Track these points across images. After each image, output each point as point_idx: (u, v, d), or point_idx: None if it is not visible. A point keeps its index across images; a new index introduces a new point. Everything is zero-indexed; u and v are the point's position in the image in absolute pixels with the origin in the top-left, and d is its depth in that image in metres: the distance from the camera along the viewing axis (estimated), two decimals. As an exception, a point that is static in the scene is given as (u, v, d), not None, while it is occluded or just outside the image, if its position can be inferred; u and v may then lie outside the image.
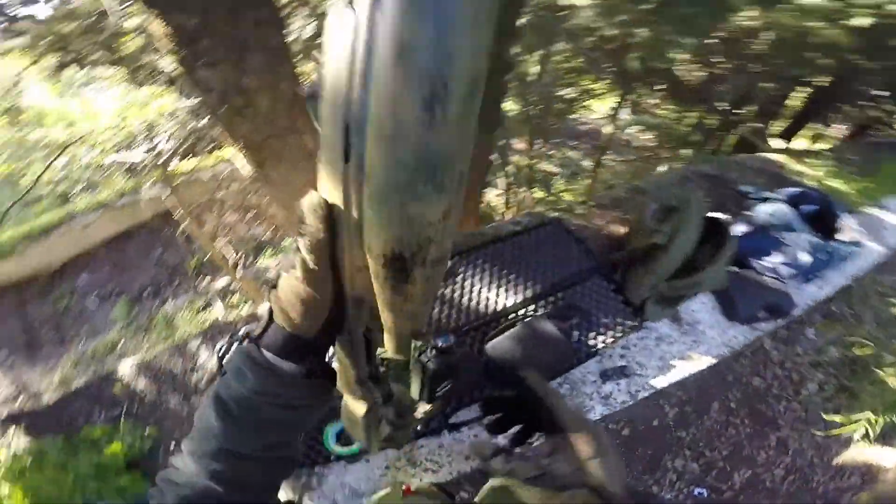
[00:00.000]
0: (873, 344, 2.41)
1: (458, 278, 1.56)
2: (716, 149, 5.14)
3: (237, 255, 4.24)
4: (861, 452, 2.39)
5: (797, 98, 5.41)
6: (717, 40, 3.49)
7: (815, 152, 3.06)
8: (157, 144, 3.17)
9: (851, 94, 4.59)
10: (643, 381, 1.58)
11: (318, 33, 3.81)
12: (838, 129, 6.14)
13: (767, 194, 2.12)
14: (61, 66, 4.26)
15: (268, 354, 0.41)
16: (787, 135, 5.26)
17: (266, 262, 5.58)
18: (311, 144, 1.81)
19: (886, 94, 4.33)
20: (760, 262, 1.83)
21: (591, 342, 1.55)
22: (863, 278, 2.39)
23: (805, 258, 1.83)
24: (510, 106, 4.82)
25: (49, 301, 5.82)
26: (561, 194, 6.17)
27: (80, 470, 1.40)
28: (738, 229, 1.94)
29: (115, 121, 3.83)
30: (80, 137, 4.04)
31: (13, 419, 1.69)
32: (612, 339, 1.55)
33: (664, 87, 4.50)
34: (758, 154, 2.93)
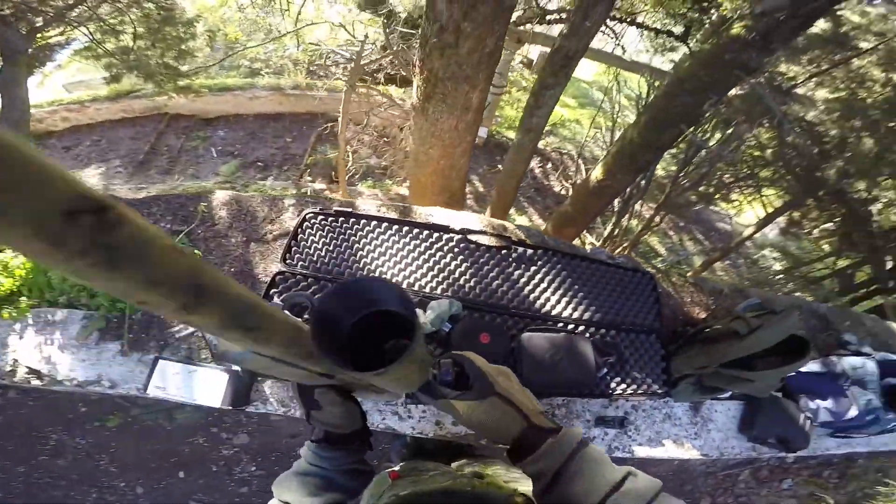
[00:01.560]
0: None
1: (532, 269, 1.67)
2: (844, 305, 4.57)
3: (350, 167, 4.68)
4: None
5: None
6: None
7: None
8: (361, 53, 3.60)
9: None
10: (627, 442, 1.63)
11: (522, 20, 4.04)
12: None
13: (866, 350, 1.97)
14: None
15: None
16: None
17: (363, 188, 6.06)
18: (475, 101, 2.01)
19: None
20: (808, 401, 1.81)
21: (613, 385, 1.59)
22: (880, 457, 2.18)
23: (852, 413, 1.79)
24: (662, 166, 4.67)
25: (184, 138, 6.86)
26: (670, 270, 5.85)
27: None
28: (812, 367, 1.89)
29: (340, 24, 4.36)
30: (295, 31, 4.68)
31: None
32: (631, 393, 1.59)
33: (840, 218, 4.04)
34: (884, 322, 2.63)
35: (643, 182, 3.71)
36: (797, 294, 4.95)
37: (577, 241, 4.58)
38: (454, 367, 0.71)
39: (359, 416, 0.80)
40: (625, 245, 4.31)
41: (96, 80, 6.85)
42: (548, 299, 1.65)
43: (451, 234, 1.66)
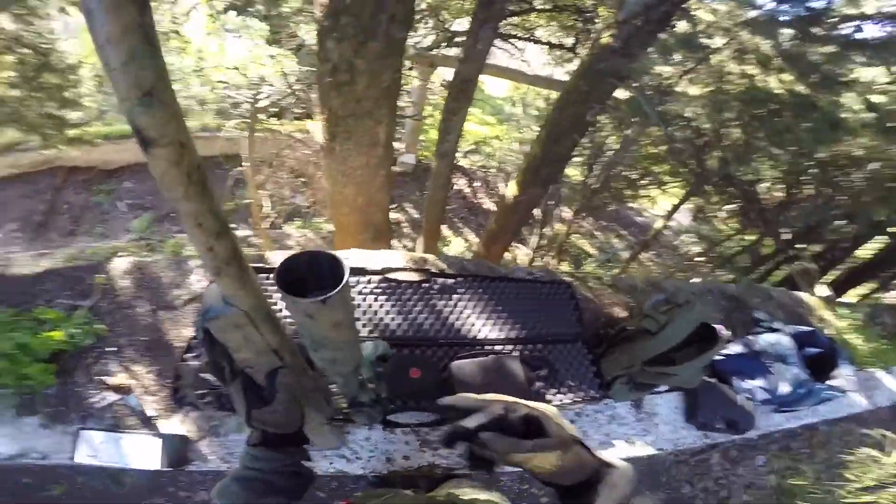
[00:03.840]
0: (808, 477, 2.37)
1: (454, 297, 1.68)
2: (758, 279, 5.03)
3: (271, 210, 4.52)
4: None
5: (868, 250, 5.18)
6: (812, 162, 3.50)
7: (849, 304, 3.01)
8: (258, 96, 3.52)
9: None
10: None
11: (433, 45, 4.14)
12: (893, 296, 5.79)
13: (778, 325, 2.15)
14: (227, 9, 4.74)
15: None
16: (839, 287, 5.04)
17: (291, 229, 5.88)
18: (381, 135, 2.02)
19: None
20: (740, 382, 1.92)
21: (549, 397, 1.61)
22: (834, 424, 2.38)
23: (784, 388, 1.91)
24: (572, 171, 4.94)
25: (86, 192, 6.30)
26: (587, 276, 6.15)
27: (0, 346, 1.34)
28: (735, 349, 2.01)
29: (237, 66, 4.25)
30: (198, 70, 4.48)
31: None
32: (569, 401, 1.62)
33: (736, 199, 4.47)
34: (791, 293, 2.91)
35: (559, 190, 3.90)
36: (717, 272, 5.38)
37: (508, 255, 4.71)
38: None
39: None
40: (552, 254, 4.49)
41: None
42: (473, 324, 1.66)
43: (369, 276, 1.63)
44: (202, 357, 1.39)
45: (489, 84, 10.62)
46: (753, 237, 5.14)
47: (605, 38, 2.37)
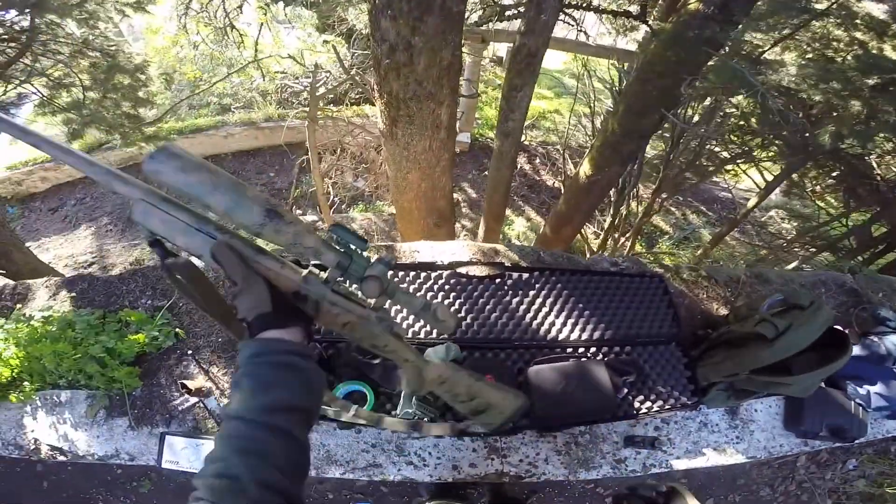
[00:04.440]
0: None
1: (530, 293, 1.53)
2: (864, 262, 4.38)
3: (335, 197, 4.56)
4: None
5: None
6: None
7: None
8: (315, 83, 3.51)
9: None
10: (663, 458, 1.51)
11: (483, 20, 3.93)
12: None
13: (906, 326, 1.80)
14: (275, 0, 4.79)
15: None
16: None
17: (355, 213, 5.93)
18: (443, 117, 1.88)
19: None
20: (856, 387, 1.66)
21: (637, 405, 1.46)
22: None
23: None
24: (651, 147, 4.53)
25: None
26: (662, 255, 5.73)
27: (90, 350, 1.39)
28: (854, 351, 1.72)
29: (291, 55, 4.28)
30: (257, 62, 4.57)
31: (70, 284, 1.70)
32: (658, 409, 1.46)
33: (842, 174, 3.89)
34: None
35: (636, 168, 3.57)
36: (817, 256, 4.77)
37: (578, 237, 4.44)
38: None
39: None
40: (627, 234, 4.16)
41: (61, 137, 6.79)
42: (552, 324, 1.51)
43: (440, 271, 1.52)
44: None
45: (546, 57, 10.03)
46: (862, 216, 4.46)
47: (695, 3, 2.05)
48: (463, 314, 1.48)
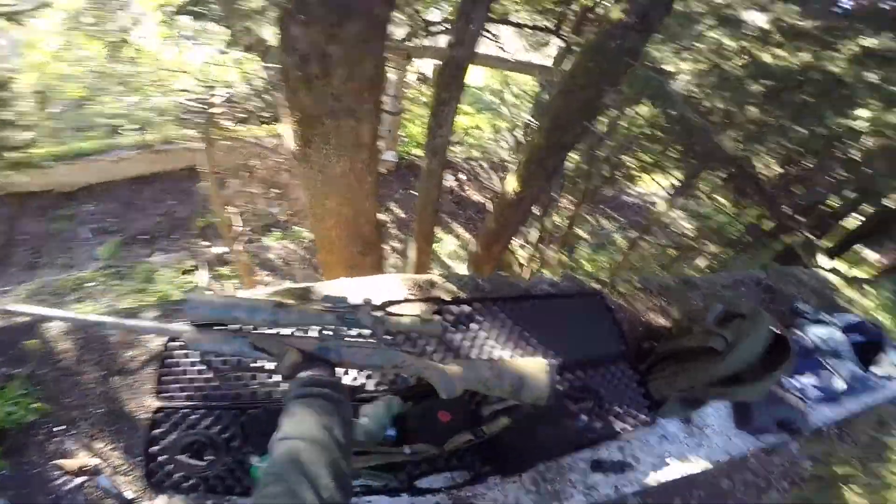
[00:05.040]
0: (856, 466, 2.22)
1: (472, 326, 1.39)
2: (757, 254, 4.91)
3: (244, 226, 4.16)
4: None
5: (857, 217, 5.17)
6: (821, 135, 3.34)
7: (872, 281, 2.85)
8: (220, 101, 3.16)
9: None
10: (634, 477, 1.45)
11: (409, 36, 3.83)
12: (878, 258, 5.88)
13: (824, 317, 1.94)
14: (178, 12, 4.32)
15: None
16: (833, 253, 5.00)
17: (270, 241, 5.50)
18: (365, 135, 1.71)
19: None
20: (791, 380, 1.77)
21: (598, 430, 1.39)
22: (877, 408, 2.22)
23: (839, 385, 1.76)
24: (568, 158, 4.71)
25: (44, 219, 5.75)
26: (582, 262, 5.99)
27: None
28: None
29: (188, 70, 3.87)
30: (156, 80, 4.09)
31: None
32: (619, 431, 1.41)
33: (730, 175, 4.30)
34: (813, 271, 2.75)
35: (557, 182, 3.65)
36: (720, 253, 5.23)
37: (506, 255, 4.46)
38: None
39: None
40: (553, 247, 4.25)
41: None
42: (499, 358, 1.37)
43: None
44: (175, 434, 1.14)
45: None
46: (752, 213, 5.02)
47: (616, 14, 2.10)
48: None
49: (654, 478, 1.47)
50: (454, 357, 1.33)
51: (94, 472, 1.16)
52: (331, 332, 0.88)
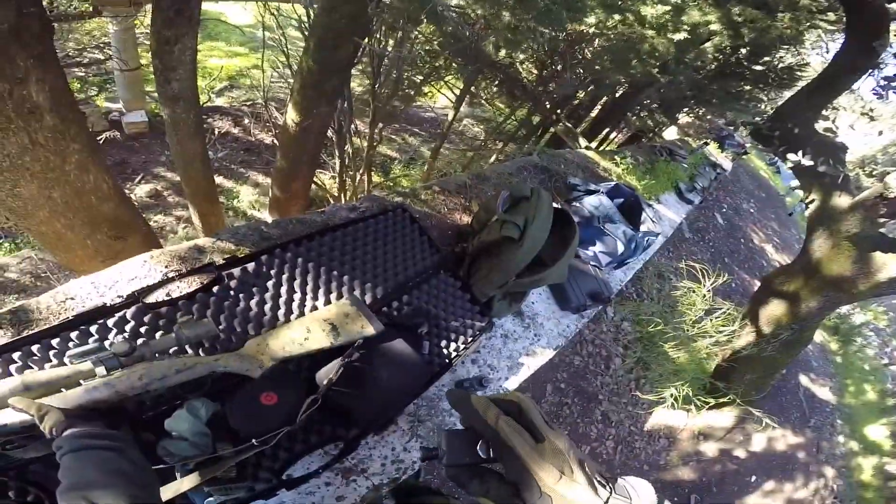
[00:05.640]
0: (659, 321, 2.87)
1: (270, 283, 1.17)
2: (533, 144, 5.65)
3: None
4: (662, 417, 2.83)
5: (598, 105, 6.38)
6: (559, 41, 3.70)
7: (617, 153, 3.50)
8: None
9: (637, 105, 5.55)
10: (496, 385, 1.50)
11: None
12: (620, 135, 7.55)
13: (592, 186, 2.25)
14: None
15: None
16: (589, 136, 6.09)
17: (5, 257, 4.08)
18: (37, 97, 1.20)
19: (656, 106, 5.41)
20: (584, 251, 1.94)
21: (445, 351, 1.37)
22: (648, 262, 2.81)
23: (620, 247, 1.99)
24: (357, 83, 4.43)
25: None
26: (399, 179, 6.07)
27: None
28: None
29: None
30: None
31: None
32: (463, 346, 1.40)
33: (501, 81, 4.68)
34: (576, 151, 3.20)
35: (346, 105, 3.39)
36: (505, 148, 5.80)
37: (315, 188, 4.13)
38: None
39: None
40: (361, 170, 4.08)
41: None
42: (314, 307, 1.21)
43: (119, 313, 0.98)
44: None
45: (230, 13, 8.72)
46: (523, 112, 5.63)
47: None
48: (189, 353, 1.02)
49: (516, 379, 1.52)
50: (256, 326, 1.11)
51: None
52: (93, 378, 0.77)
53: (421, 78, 4.47)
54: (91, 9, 4.19)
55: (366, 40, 2.56)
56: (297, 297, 1.19)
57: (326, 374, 1.05)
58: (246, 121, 6.23)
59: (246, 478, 0.99)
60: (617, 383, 2.72)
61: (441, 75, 4.50)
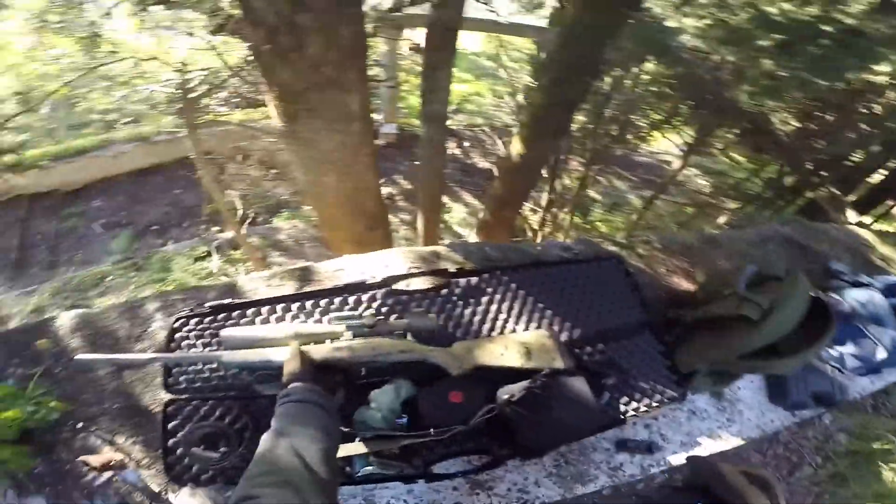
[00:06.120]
0: (890, 440, 2.10)
1: (483, 300, 1.30)
2: (780, 210, 4.71)
3: (246, 209, 4.07)
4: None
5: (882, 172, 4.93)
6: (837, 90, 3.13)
7: None
8: (197, 85, 3.03)
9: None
10: (661, 456, 1.36)
11: (394, 6, 3.65)
12: None
13: (863, 279, 1.79)
14: (146, 3, 4.14)
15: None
16: (862, 208, 4.78)
17: (280, 222, 5.44)
18: (354, 106, 1.58)
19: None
20: (828, 350, 1.61)
21: (623, 408, 1.30)
22: None
23: (881, 354, 1.60)
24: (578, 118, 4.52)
25: (55, 219, 5.77)
26: (597, 223, 5.84)
27: None
28: None
29: (179, 63, 3.76)
30: (140, 72, 3.99)
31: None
32: (645, 409, 1.30)
33: (748, 131, 4.09)
34: (844, 227, 2.58)
35: (563, 142, 3.49)
36: (740, 209, 5.03)
37: (518, 220, 4.33)
38: None
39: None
40: (565, 208, 4.11)
41: None
42: (514, 330, 1.29)
43: (372, 291, 1.24)
44: (188, 426, 1.11)
45: (460, 39, 9.95)
46: (771, 169, 4.79)
47: None
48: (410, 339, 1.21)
49: (683, 457, 1.38)
50: (463, 332, 1.24)
51: (120, 466, 1.18)
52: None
53: (646, 123, 4.27)
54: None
55: (596, 80, 2.60)
56: (502, 317, 1.30)
57: (509, 391, 1.11)
58: (466, 144, 6.95)
59: (405, 459, 1.11)
60: (793, 493, 2.10)
61: (672, 124, 4.20)
